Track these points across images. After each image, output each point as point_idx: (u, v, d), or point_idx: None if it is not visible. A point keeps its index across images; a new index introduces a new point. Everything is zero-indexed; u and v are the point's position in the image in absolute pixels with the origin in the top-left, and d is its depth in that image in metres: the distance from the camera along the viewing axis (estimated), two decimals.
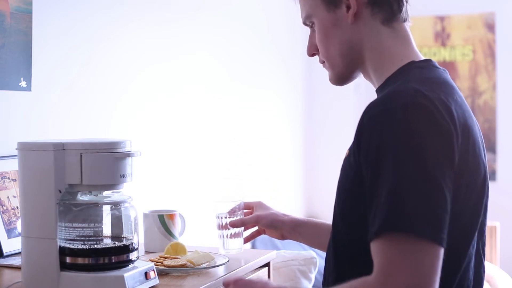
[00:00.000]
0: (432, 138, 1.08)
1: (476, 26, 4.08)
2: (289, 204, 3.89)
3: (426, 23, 4.16)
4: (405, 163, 1.06)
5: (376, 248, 1.07)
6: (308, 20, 1.32)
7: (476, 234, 1.22)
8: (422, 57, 1.28)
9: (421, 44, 4.14)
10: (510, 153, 4.04)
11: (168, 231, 1.92)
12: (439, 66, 1.27)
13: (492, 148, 4.05)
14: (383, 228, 1.05)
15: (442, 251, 1.05)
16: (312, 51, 1.34)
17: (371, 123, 1.11)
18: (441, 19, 4.15)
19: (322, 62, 1.34)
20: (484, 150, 1.29)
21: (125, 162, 1.49)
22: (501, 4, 4.05)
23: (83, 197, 1.53)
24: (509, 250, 3.90)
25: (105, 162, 1.47)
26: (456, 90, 1.21)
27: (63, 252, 1.47)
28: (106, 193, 1.55)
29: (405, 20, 1.29)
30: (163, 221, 1.92)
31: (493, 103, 4.07)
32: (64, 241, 1.48)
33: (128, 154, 1.49)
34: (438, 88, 1.16)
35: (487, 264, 3.46)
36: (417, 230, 1.04)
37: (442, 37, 4.15)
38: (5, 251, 1.83)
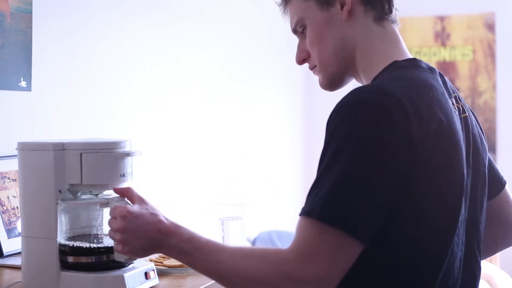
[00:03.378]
0: (380, 136, 1.10)
1: (476, 26, 4.08)
2: (289, 204, 3.89)
3: (426, 23, 4.16)
4: (347, 159, 1.09)
5: (304, 225, 1.11)
6: (299, 24, 1.33)
7: (465, 231, 1.22)
8: (408, 57, 1.29)
9: (421, 44, 4.15)
10: (510, 153, 4.04)
11: None
12: (424, 65, 1.27)
13: (492, 148, 4.04)
14: (320, 215, 1.08)
15: (361, 248, 1.09)
16: (302, 57, 1.36)
17: (332, 114, 1.15)
18: (441, 19, 4.15)
19: (312, 68, 1.35)
20: (479, 147, 1.28)
21: (125, 162, 1.49)
22: (501, 4, 4.05)
23: (83, 197, 1.53)
24: (509, 250, 3.88)
25: (105, 162, 1.47)
26: (434, 88, 1.21)
27: (64, 251, 1.47)
28: (106, 192, 1.55)
29: (394, 22, 1.31)
30: None
31: (493, 103, 4.07)
32: (64, 241, 1.48)
33: (128, 154, 1.49)
34: (408, 85, 1.17)
35: (487, 264, 3.45)
36: (345, 227, 1.07)
37: (442, 37, 4.15)
38: (5, 251, 1.83)
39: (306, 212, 1.10)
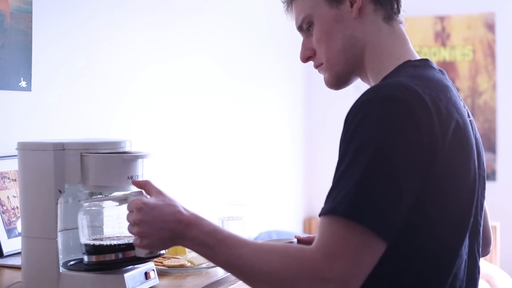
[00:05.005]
0: (404, 134, 1.09)
1: (476, 26, 4.08)
2: (289, 205, 3.89)
3: (426, 23, 4.15)
4: (372, 156, 1.08)
5: (328, 224, 1.09)
6: (306, 21, 1.32)
7: (468, 234, 1.22)
8: (417, 57, 1.29)
9: (421, 44, 4.14)
10: (510, 153, 4.04)
11: None
12: (435, 67, 1.28)
13: (492, 148, 4.04)
14: (346, 213, 1.07)
15: (384, 247, 1.09)
16: (307, 55, 1.35)
17: (352, 111, 1.13)
18: (441, 19, 4.15)
19: (318, 66, 1.34)
20: (481, 151, 1.28)
21: (136, 164, 1.48)
22: (501, 4, 4.05)
23: (84, 198, 1.53)
24: (509, 250, 3.89)
25: (105, 162, 1.46)
26: (450, 89, 1.21)
27: (88, 251, 1.46)
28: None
29: (401, 23, 1.32)
30: None
31: (493, 103, 4.07)
32: (87, 240, 1.48)
33: (138, 156, 1.48)
34: (428, 84, 1.17)
35: (487, 264, 3.46)
36: (372, 225, 1.06)
37: (442, 37, 4.15)
38: (5, 251, 1.83)
39: (329, 210, 1.09)
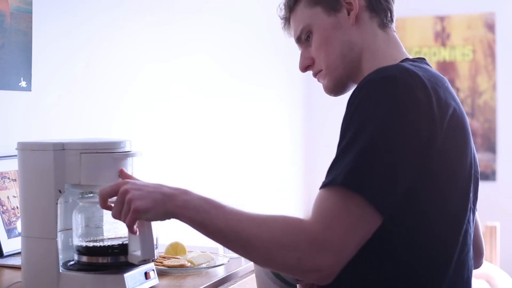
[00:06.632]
0: (404, 112, 1.12)
1: (476, 26, 4.08)
2: (289, 205, 3.89)
3: (426, 23, 4.15)
4: (373, 133, 1.11)
5: (325, 195, 1.12)
6: (305, 31, 1.36)
7: (472, 221, 1.23)
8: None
9: (421, 44, 4.14)
10: (510, 153, 4.04)
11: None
12: (431, 66, 1.31)
13: (492, 148, 4.04)
14: (343, 182, 1.09)
15: (380, 222, 1.10)
16: (307, 64, 1.38)
17: (355, 92, 1.17)
18: (441, 19, 4.15)
19: (317, 73, 1.38)
20: (475, 154, 1.29)
21: (125, 162, 1.49)
22: (501, 4, 4.05)
23: (84, 197, 1.53)
24: (509, 250, 3.89)
25: (105, 162, 1.46)
26: (446, 81, 1.25)
27: (80, 252, 1.47)
28: None
29: (394, 31, 1.37)
30: None
31: (493, 103, 4.07)
32: (80, 242, 1.48)
33: (127, 154, 1.49)
34: (426, 72, 1.20)
35: (487, 264, 3.46)
36: (369, 195, 1.09)
37: (442, 37, 4.15)
38: (5, 251, 1.83)
39: (328, 182, 1.11)
